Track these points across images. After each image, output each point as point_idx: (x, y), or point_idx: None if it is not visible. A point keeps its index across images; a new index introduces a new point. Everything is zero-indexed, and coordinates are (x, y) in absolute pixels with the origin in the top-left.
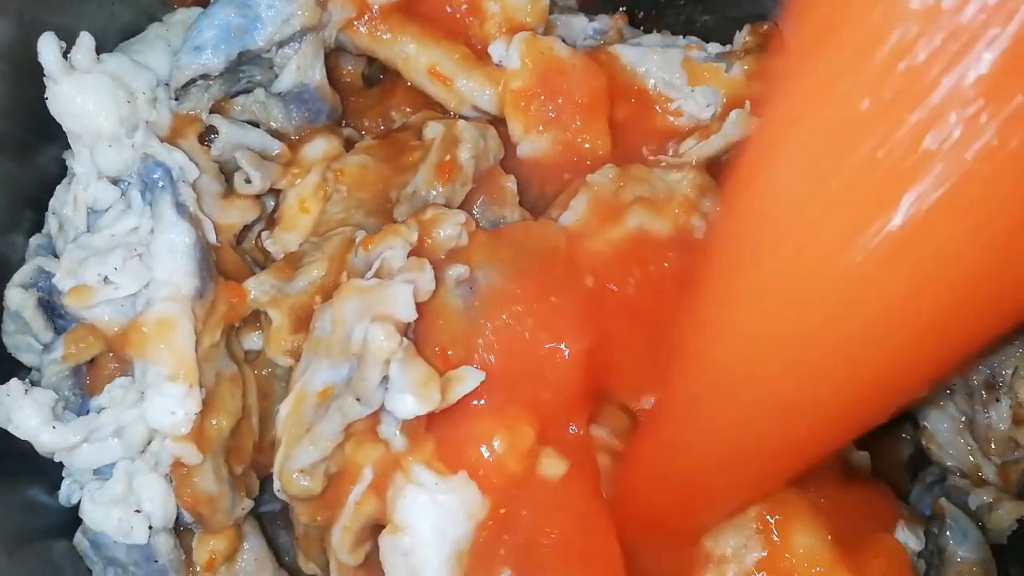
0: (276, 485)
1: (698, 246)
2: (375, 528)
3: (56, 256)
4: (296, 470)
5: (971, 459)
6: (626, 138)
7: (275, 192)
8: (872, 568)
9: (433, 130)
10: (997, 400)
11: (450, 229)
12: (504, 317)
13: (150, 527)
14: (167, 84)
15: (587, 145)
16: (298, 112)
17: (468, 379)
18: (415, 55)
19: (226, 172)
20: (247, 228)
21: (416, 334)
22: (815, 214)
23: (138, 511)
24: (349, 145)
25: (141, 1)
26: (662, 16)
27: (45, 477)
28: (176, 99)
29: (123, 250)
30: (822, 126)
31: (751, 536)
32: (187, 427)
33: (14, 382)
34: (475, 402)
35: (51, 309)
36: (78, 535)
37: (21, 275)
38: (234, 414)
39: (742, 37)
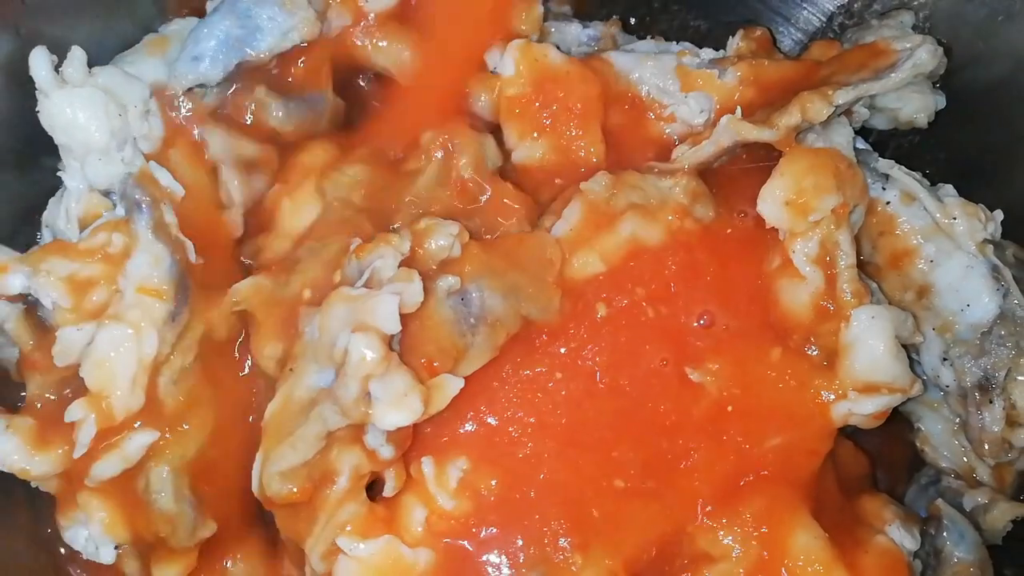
0: (254, 486)
1: None
2: None
3: None
4: (276, 473)
5: (965, 461)
6: (620, 144)
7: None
8: (868, 568)
9: (430, 138)
10: (991, 402)
11: (443, 240)
12: None
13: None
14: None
15: (581, 152)
16: (299, 112)
17: (448, 387)
18: (411, 63)
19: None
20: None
21: (403, 343)
22: None
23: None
24: (347, 151)
25: (138, 12)
26: (656, 22)
27: None
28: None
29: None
30: None
31: (749, 536)
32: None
33: None
34: None
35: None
36: None
37: None
38: (198, 438)
39: (735, 42)
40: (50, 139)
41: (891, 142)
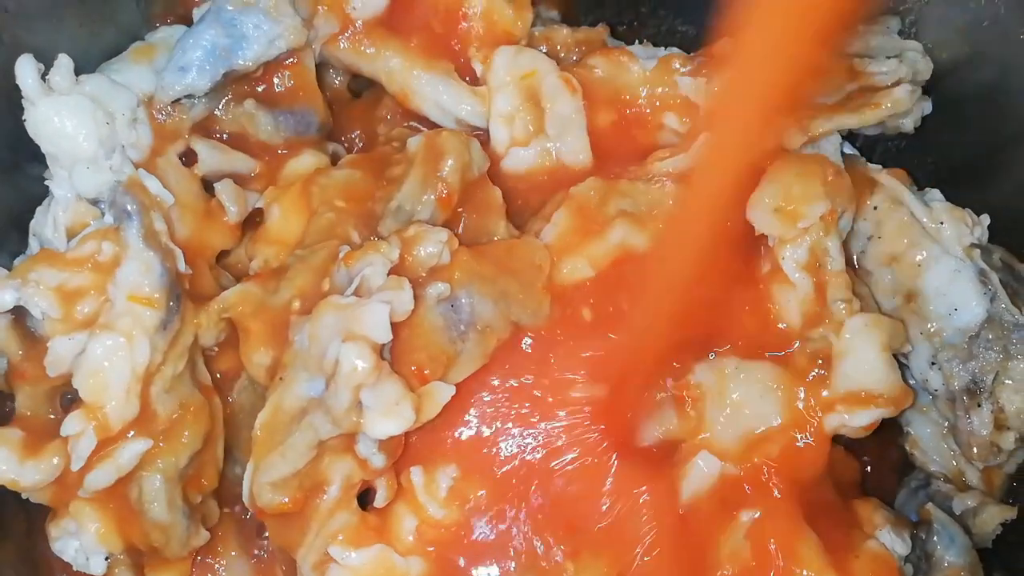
0: (245, 496)
1: None
2: None
3: None
4: (266, 483)
5: (955, 464)
6: (608, 150)
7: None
8: (859, 572)
9: (415, 143)
10: (979, 406)
11: (432, 247)
12: None
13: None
14: (148, 102)
15: (569, 158)
16: (287, 123)
17: (440, 394)
18: (399, 69)
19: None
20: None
21: (393, 351)
22: None
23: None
24: (335, 160)
25: (123, 21)
26: (644, 27)
27: None
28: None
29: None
30: None
31: (742, 541)
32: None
33: None
34: None
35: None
36: None
37: None
38: (190, 446)
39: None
40: (36, 146)
41: (878, 147)
